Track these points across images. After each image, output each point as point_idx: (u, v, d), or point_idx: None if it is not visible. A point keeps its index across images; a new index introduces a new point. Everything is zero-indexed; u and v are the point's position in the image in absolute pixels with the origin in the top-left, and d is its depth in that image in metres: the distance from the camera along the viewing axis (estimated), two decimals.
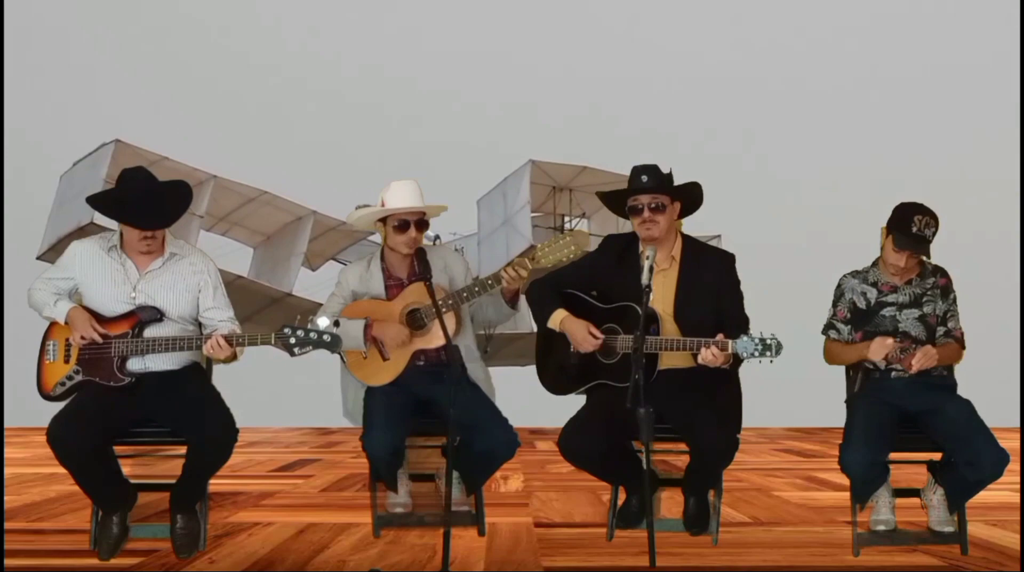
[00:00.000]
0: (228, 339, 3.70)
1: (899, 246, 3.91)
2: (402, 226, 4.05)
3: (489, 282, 3.95)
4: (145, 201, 3.75)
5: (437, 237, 14.94)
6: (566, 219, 14.68)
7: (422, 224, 4.07)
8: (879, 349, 3.86)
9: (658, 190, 3.87)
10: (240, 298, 14.23)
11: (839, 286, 4.10)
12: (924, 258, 3.96)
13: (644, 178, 3.86)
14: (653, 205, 3.87)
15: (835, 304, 4.08)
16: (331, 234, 15.12)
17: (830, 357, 4.09)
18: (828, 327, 4.08)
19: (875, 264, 4.09)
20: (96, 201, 3.96)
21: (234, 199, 14.57)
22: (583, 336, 3.86)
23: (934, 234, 3.90)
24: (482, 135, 18.39)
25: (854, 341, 4.02)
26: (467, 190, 14.65)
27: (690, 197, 3.96)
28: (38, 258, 13.78)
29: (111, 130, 13.79)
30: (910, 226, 3.87)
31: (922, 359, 3.83)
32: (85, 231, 13.36)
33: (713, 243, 13.75)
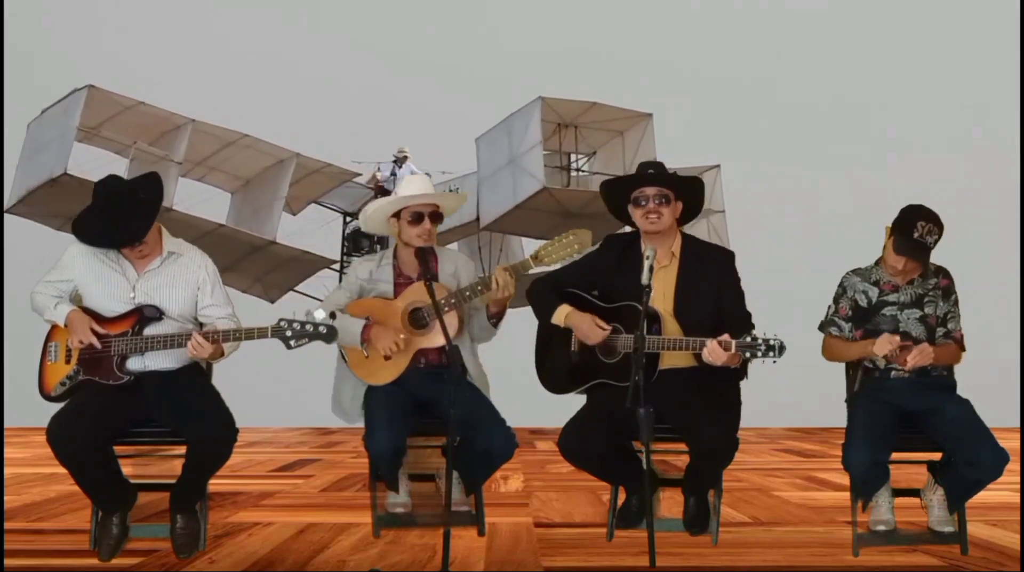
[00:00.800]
0: (207, 336, 3.69)
1: (898, 250, 3.92)
2: (416, 218, 4.03)
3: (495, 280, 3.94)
4: (120, 217, 3.72)
5: (427, 175, 14.60)
6: (572, 157, 14.15)
7: (436, 217, 4.06)
8: (884, 345, 3.85)
9: (664, 183, 3.89)
10: (221, 247, 13.30)
11: (841, 283, 4.09)
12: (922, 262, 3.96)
13: (651, 172, 3.90)
14: (658, 198, 3.88)
15: (836, 301, 4.08)
16: (314, 177, 14.45)
17: (831, 354, 4.08)
18: (829, 324, 4.07)
19: (878, 263, 4.09)
20: (79, 231, 3.84)
21: (212, 143, 14.10)
22: (589, 327, 3.85)
23: (936, 242, 3.90)
24: (483, 71, 17.68)
25: (854, 339, 4.02)
26: (463, 127, 14.03)
27: (693, 196, 3.98)
28: (6, 212, 13.13)
29: (82, 75, 13.22)
30: (912, 231, 3.87)
31: (917, 357, 3.82)
32: (58, 183, 12.63)
33: (712, 173, 13.19)
